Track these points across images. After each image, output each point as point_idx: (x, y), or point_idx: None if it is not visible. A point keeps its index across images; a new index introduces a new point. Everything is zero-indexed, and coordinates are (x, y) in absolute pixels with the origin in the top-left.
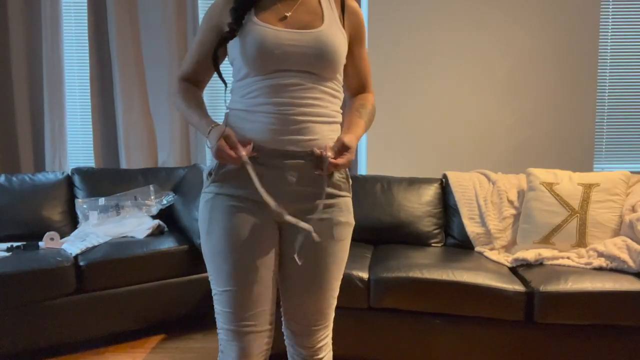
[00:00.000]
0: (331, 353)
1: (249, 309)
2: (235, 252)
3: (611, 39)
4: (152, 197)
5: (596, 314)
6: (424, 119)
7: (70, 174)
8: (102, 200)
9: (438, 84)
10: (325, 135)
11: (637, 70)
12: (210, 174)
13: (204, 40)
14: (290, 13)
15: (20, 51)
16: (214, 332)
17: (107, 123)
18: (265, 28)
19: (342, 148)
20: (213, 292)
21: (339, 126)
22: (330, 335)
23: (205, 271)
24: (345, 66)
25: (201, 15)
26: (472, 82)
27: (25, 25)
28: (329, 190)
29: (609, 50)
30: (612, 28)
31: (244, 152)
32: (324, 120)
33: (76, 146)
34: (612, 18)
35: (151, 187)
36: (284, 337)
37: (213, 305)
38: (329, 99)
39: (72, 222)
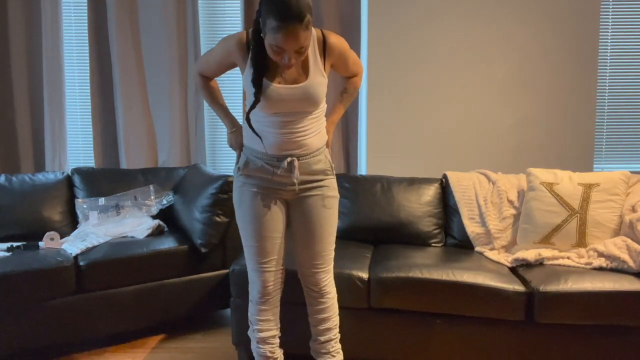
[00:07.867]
0: (335, 294)
1: (265, 257)
2: (256, 222)
3: (611, 39)
4: (152, 197)
5: (596, 314)
6: (424, 118)
7: (70, 174)
8: (102, 200)
9: (438, 84)
10: (314, 141)
11: (637, 70)
12: (239, 168)
13: (219, 63)
14: (286, 74)
15: (20, 51)
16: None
17: (107, 123)
18: (271, 87)
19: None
20: (243, 243)
21: (323, 127)
22: (332, 280)
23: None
24: (339, 72)
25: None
26: (472, 82)
27: (25, 25)
28: (318, 176)
29: (609, 50)
30: (612, 28)
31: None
32: (314, 134)
33: (76, 146)
34: (612, 18)
35: (151, 187)
36: (301, 282)
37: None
38: (315, 120)
39: (72, 222)
